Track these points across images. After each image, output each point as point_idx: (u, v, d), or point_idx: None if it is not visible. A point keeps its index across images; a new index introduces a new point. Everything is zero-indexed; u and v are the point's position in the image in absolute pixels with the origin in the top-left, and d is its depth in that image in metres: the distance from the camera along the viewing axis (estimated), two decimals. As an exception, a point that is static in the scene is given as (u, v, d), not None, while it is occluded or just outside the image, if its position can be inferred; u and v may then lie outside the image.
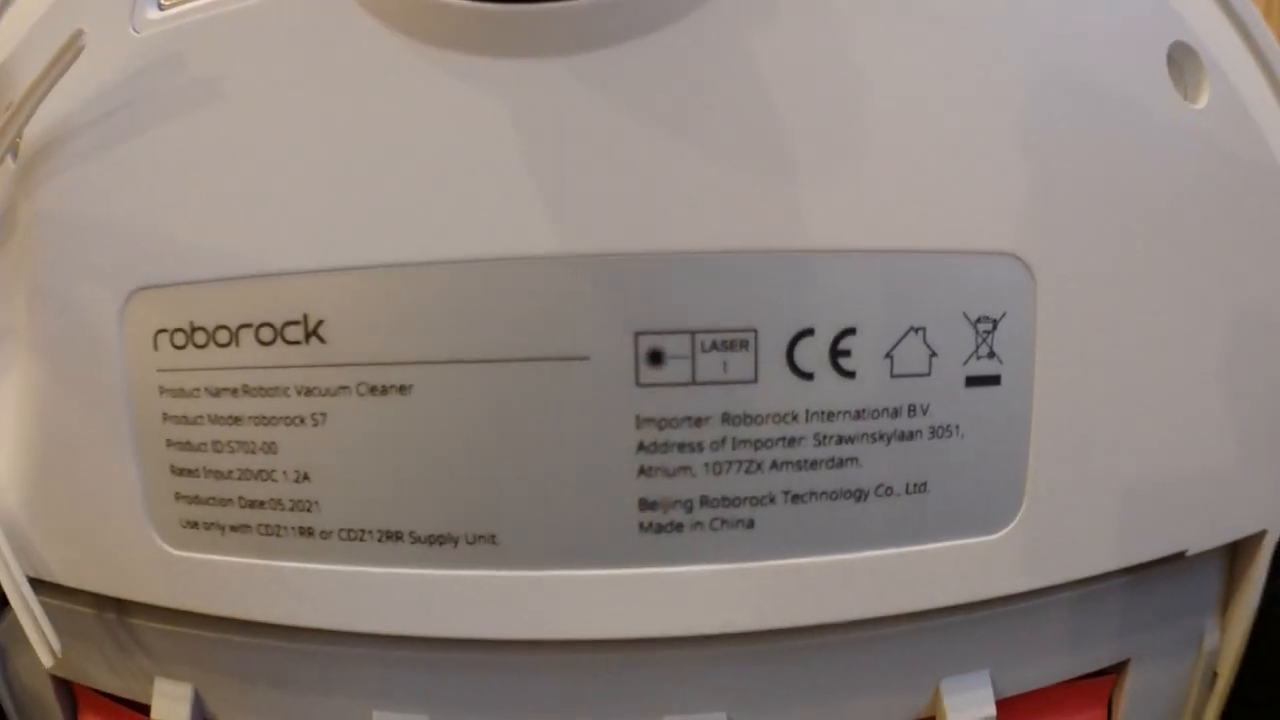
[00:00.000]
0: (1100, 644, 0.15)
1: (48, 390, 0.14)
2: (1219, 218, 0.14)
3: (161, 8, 0.14)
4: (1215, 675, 0.17)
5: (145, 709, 0.16)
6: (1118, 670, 0.16)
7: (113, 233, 0.14)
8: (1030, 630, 0.14)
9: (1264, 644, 0.17)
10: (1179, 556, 0.14)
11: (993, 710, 0.14)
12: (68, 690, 0.17)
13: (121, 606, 0.15)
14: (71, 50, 0.13)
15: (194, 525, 0.13)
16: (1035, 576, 0.13)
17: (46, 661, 0.15)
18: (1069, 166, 0.13)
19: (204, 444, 0.13)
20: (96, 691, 0.17)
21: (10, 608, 0.16)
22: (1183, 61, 0.14)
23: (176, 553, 0.14)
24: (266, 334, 0.12)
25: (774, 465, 0.12)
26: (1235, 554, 0.16)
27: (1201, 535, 0.15)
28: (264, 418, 0.13)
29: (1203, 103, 0.14)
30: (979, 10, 0.13)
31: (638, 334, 0.12)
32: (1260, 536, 0.16)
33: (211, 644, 0.14)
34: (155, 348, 0.13)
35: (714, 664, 0.13)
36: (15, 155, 0.15)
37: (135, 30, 0.14)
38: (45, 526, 0.15)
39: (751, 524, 0.12)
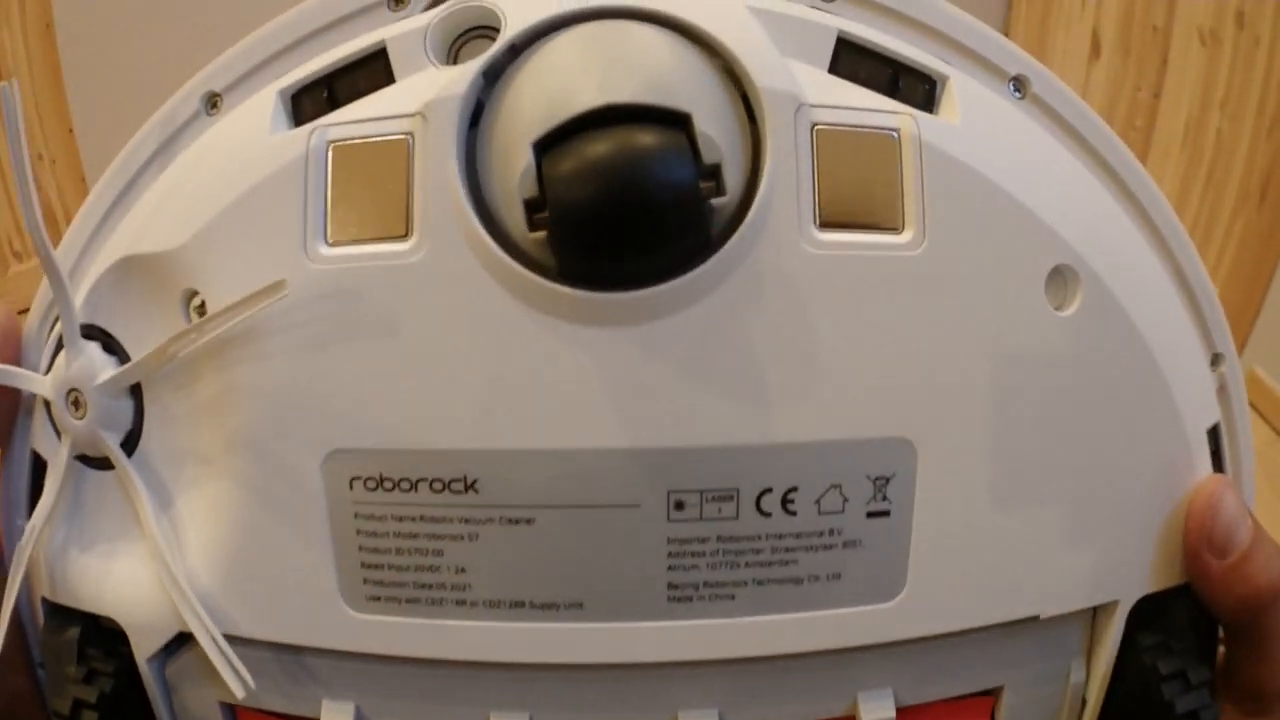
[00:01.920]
0: (976, 674, 0.21)
1: (251, 508, 0.19)
2: (1073, 393, 0.19)
3: (329, 244, 0.18)
4: (1084, 701, 0.22)
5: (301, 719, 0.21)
6: (996, 692, 0.21)
7: (312, 411, 0.18)
8: (919, 662, 0.20)
9: (1123, 685, 0.22)
10: (1035, 619, 0.20)
11: (893, 713, 0.20)
12: (231, 712, 0.21)
13: (298, 649, 0.20)
14: (274, 295, 0.17)
15: (377, 599, 0.19)
16: (917, 629, 0.20)
17: (240, 695, 0.19)
18: (947, 370, 0.18)
19: (388, 549, 0.19)
20: (262, 711, 0.21)
21: (179, 652, 0.21)
22: (1061, 276, 0.19)
23: (361, 616, 0.19)
24: (438, 485, 0.18)
25: (746, 564, 0.19)
26: (1095, 613, 0.21)
27: (1053, 605, 0.20)
28: (434, 535, 0.19)
29: (1071, 310, 0.19)
30: (898, 293, 0.18)
31: (669, 492, 0.18)
32: (1114, 604, 0.21)
33: (375, 672, 0.20)
34: (350, 488, 0.19)
35: (710, 679, 0.20)
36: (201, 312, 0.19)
37: (310, 260, 0.18)
38: (238, 595, 0.20)
39: (733, 597, 0.20)
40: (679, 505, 0.18)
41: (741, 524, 0.18)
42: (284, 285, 0.18)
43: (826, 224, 0.18)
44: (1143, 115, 1.57)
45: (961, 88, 0.19)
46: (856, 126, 0.18)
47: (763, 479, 0.18)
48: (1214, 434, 0.22)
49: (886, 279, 0.18)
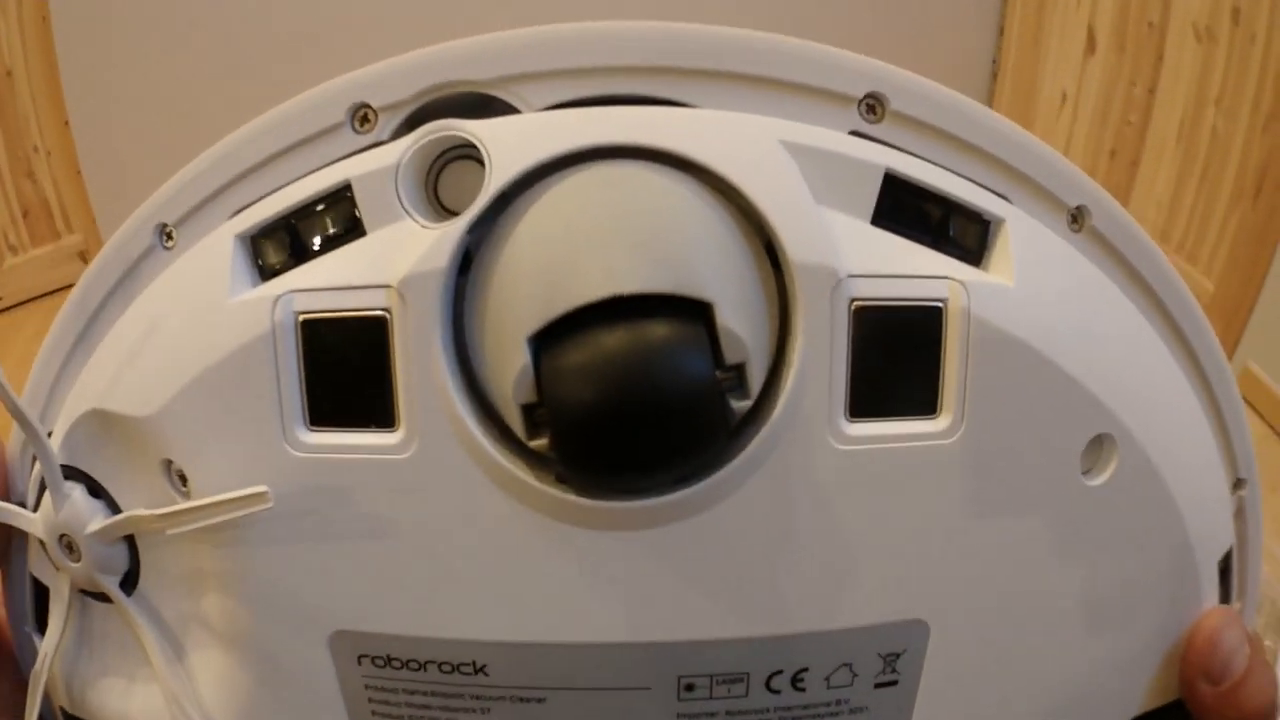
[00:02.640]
0: None
1: (261, 675, 0.18)
2: (1090, 554, 0.18)
3: (309, 428, 0.16)
4: None
5: None
6: None
7: (311, 597, 0.17)
8: None
9: None
10: None
11: None
12: None
13: None
14: (256, 505, 0.16)
15: None
16: None
17: None
18: (967, 551, 0.17)
19: (401, 717, 0.18)
20: None
21: None
22: (1099, 443, 0.17)
23: None
24: (446, 668, 0.18)
25: None
26: None
27: None
28: (447, 708, 0.18)
29: (1103, 479, 0.17)
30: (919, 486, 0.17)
31: (679, 676, 0.18)
32: None
33: None
34: (359, 664, 0.18)
35: None
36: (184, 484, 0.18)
37: (290, 448, 0.16)
38: None
39: None
40: (689, 688, 0.18)
41: (750, 700, 0.18)
42: (266, 497, 0.16)
43: (858, 414, 0.16)
44: (1137, 111, 1.58)
45: (1018, 232, 0.17)
46: (900, 300, 0.16)
47: (774, 664, 0.18)
48: (1225, 559, 0.21)
49: (917, 470, 0.16)
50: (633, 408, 0.14)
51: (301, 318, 0.16)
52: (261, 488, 0.16)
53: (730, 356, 0.15)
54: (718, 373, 0.15)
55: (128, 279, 0.19)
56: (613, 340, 0.14)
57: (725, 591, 0.17)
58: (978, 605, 0.18)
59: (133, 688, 0.20)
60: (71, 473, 0.19)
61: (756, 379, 0.15)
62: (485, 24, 0.19)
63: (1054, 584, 0.18)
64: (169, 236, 0.19)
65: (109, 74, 1.54)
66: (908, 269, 0.16)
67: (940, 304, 0.16)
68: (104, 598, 0.19)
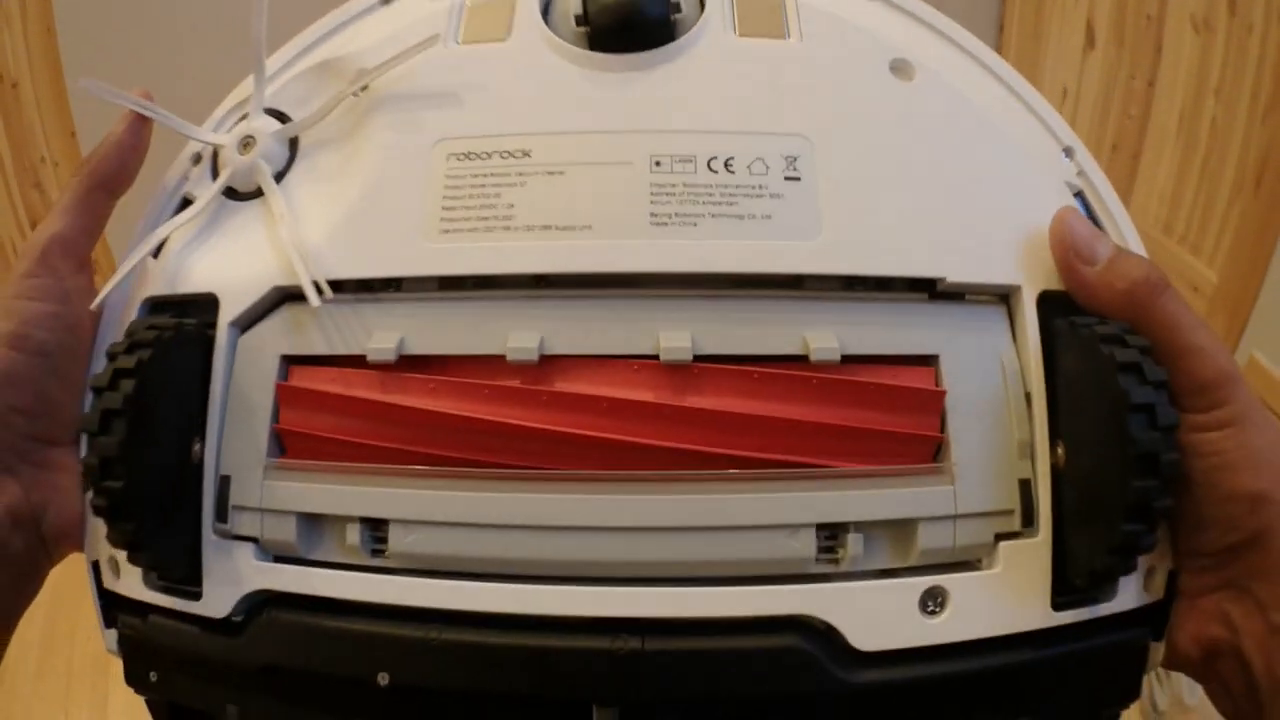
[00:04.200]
0: (911, 338, 0.25)
1: (365, 185, 0.28)
2: (931, 133, 0.27)
3: (458, 44, 0.29)
4: (1029, 395, 0.25)
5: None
6: (934, 360, 0.25)
7: (433, 119, 0.28)
8: (857, 317, 0.25)
9: (1080, 382, 0.24)
10: (954, 292, 0.26)
11: (837, 352, 0.24)
12: (285, 367, 0.27)
13: (370, 287, 0.27)
14: (426, 46, 0.27)
15: (447, 232, 0.27)
16: (835, 266, 0.25)
17: (315, 302, 0.25)
18: (830, 100, 0.27)
19: (461, 197, 0.27)
20: (313, 357, 0.26)
21: (254, 326, 0.26)
22: (901, 65, 0.28)
23: (435, 245, 0.26)
24: (504, 155, 0.28)
25: (703, 203, 0.26)
26: (1009, 302, 0.26)
27: (953, 273, 0.26)
28: (496, 185, 0.27)
29: (911, 83, 0.28)
30: None
31: (651, 155, 0.27)
32: (1018, 290, 0.26)
33: (417, 310, 0.26)
34: (446, 160, 0.28)
35: (683, 308, 0.26)
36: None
37: (446, 49, 0.30)
38: (339, 246, 0.26)
39: (695, 224, 0.26)
40: (657, 163, 0.26)
41: (698, 176, 0.26)
42: (436, 39, 0.28)
43: (743, 34, 0.28)
44: (1138, 104, 1.58)
45: None
46: None
47: (710, 150, 0.26)
48: (1080, 198, 0.28)
49: (780, 57, 0.28)
50: (629, 16, 0.27)
51: (466, 6, 0.30)
52: (434, 31, 0.28)
53: (676, 3, 0.28)
54: (668, 6, 0.28)
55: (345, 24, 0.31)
56: None
57: (674, 110, 0.27)
58: (846, 138, 0.27)
59: (227, 252, 0.28)
60: (269, 111, 0.29)
61: (689, 14, 0.28)
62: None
63: (909, 141, 0.27)
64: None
65: (115, 85, 1.55)
66: None
67: None
68: (244, 198, 0.28)
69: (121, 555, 0.25)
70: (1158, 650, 0.25)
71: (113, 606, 0.26)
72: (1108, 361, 0.22)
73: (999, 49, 1.98)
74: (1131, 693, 0.24)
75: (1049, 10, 1.83)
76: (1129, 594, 0.24)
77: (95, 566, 0.27)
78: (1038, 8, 1.86)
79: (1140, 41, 1.57)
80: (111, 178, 0.29)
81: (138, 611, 0.26)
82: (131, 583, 0.26)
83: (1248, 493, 0.22)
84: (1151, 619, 0.25)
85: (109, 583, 0.26)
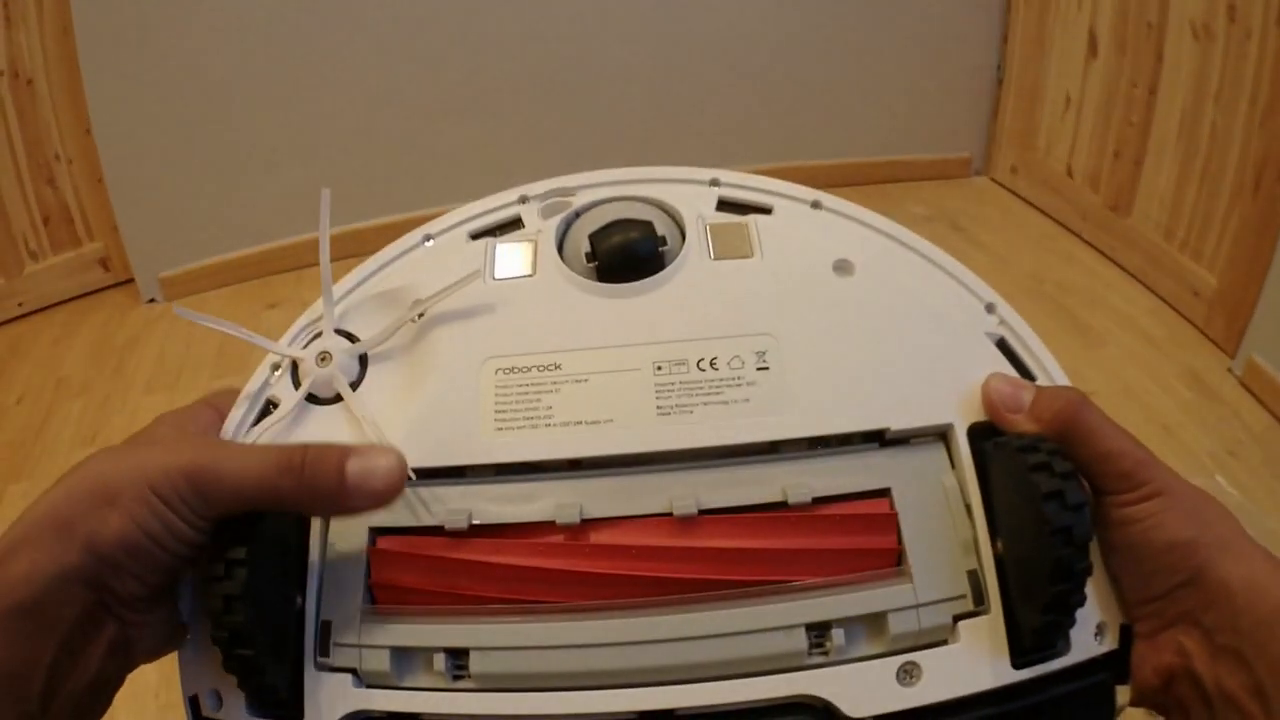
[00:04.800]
0: (869, 477, 0.32)
1: (432, 393, 0.34)
2: (874, 318, 0.34)
3: (494, 279, 0.35)
4: (969, 506, 0.31)
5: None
6: (888, 491, 0.32)
7: (481, 343, 0.34)
8: (824, 469, 0.32)
9: (1006, 493, 0.30)
10: (900, 438, 0.32)
11: (810, 497, 0.31)
12: (373, 537, 0.32)
13: (445, 473, 0.32)
14: (470, 281, 0.34)
15: (500, 429, 0.33)
16: (806, 430, 0.32)
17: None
18: (788, 306, 0.34)
19: (510, 401, 0.33)
20: (397, 529, 0.32)
21: None
22: (843, 264, 0.35)
23: (492, 439, 0.32)
24: (540, 369, 0.34)
25: (696, 394, 0.33)
26: (945, 439, 0.33)
27: (899, 422, 0.32)
28: (537, 392, 0.33)
29: (852, 279, 0.35)
30: None
31: (654, 362, 0.33)
32: (950, 427, 0.32)
33: (481, 490, 0.32)
34: (495, 374, 0.34)
35: (689, 479, 0.32)
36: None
37: (485, 285, 0.36)
38: (414, 441, 0.32)
39: (692, 411, 0.33)
40: (659, 368, 0.34)
41: (691, 375, 0.33)
42: (479, 274, 0.35)
43: (717, 258, 0.35)
44: (1139, 111, 1.59)
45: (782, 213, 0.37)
46: (728, 222, 0.36)
47: (698, 353, 0.34)
48: (1002, 344, 0.34)
49: (748, 273, 0.35)
50: (628, 255, 0.35)
51: (496, 244, 0.37)
52: (474, 270, 0.35)
53: (663, 239, 0.35)
54: (655, 243, 0.35)
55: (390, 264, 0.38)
56: (619, 237, 0.35)
57: (667, 321, 0.34)
58: (802, 332, 0.33)
59: None
60: (337, 331, 0.35)
61: (674, 246, 0.36)
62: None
63: (858, 329, 0.34)
64: (428, 237, 0.37)
65: (130, 83, 1.57)
66: (733, 219, 0.37)
67: (746, 223, 0.36)
68: (323, 403, 0.34)
69: (225, 686, 0.30)
70: (1124, 694, 0.30)
71: None
72: (1024, 466, 0.28)
73: (1003, 60, 1.99)
74: None
75: (1052, 19, 1.85)
76: (1081, 647, 0.30)
77: (194, 700, 0.31)
78: (1041, 18, 1.87)
79: (1141, 48, 1.58)
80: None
81: None
82: (233, 712, 0.30)
83: (1181, 540, 0.28)
84: (1110, 665, 0.30)
85: (208, 712, 0.31)
